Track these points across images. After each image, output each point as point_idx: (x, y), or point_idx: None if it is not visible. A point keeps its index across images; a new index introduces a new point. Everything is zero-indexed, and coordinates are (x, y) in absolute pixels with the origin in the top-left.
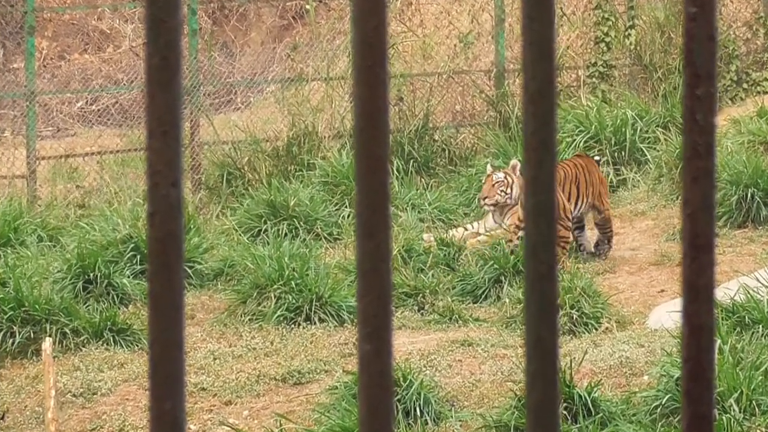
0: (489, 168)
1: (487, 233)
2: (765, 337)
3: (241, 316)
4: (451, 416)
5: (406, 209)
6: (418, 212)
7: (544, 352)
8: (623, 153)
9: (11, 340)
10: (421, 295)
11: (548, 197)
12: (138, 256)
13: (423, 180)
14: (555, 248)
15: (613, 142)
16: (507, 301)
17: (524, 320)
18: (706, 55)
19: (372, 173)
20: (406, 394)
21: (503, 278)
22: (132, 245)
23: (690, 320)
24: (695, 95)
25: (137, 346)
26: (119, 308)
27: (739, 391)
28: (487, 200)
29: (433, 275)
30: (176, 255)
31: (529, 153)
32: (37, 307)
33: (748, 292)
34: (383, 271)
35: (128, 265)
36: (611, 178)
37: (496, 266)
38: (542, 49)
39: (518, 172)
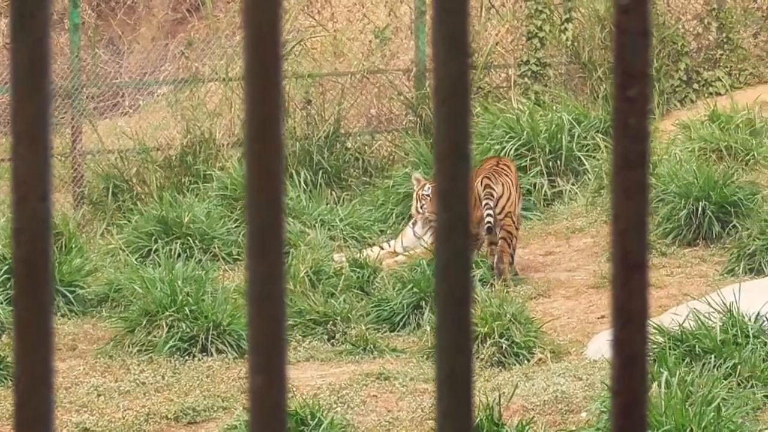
0: (417, 177)
1: (406, 252)
2: (717, 369)
3: (129, 346)
4: None
5: (314, 226)
6: (329, 229)
7: (457, 387)
8: (559, 162)
9: None
10: (331, 322)
11: (463, 210)
12: (12, 279)
13: (334, 193)
14: (470, 268)
15: (547, 150)
16: (428, 329)
17: (435, 350)
18: (640, 52)
19: (264, 187)
20: None
21: (424, 303)
22: (6, 266)
23: (622, 348)
24: (627, 97)
25: (12, 380)
26: None
27: (688, 429)
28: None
29: (345, 300)
30: (44, 277)
31: (440, 162)
32: None
33: (699, 318)
34: (276, 296)
35: (1, 289)
36: (545, 190)
37: (415, 290)
38: (456, 45)
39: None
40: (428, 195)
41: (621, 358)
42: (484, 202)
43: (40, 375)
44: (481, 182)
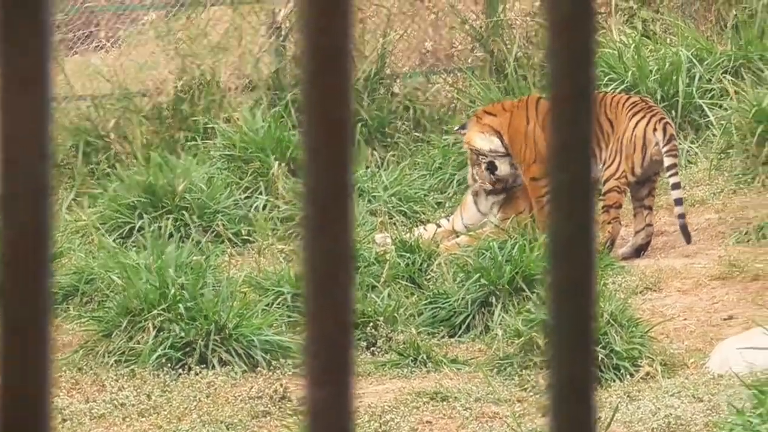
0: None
1: (470, 232)
2: None
3: (104, 356)
4: None
5: None
6: (369, 201)
7: (578, 400)
8: (674, 112)
9: None
10: (372, 324)
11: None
12: None
13: (376, 153)
14: (595, 245)
15: (659, 96)
16: (499, 333)
17: (547, 355)
18: None
19: (329, 141)
20: None
21: (494, 299)
22: None
23: None
24: None
25: None
26: None
27: None
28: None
29: (390, 295)
30: None
31: (556, 107)
32: None
33: None
34: (344, 280)
35: None
36: None
37: (483, 281)
38: None
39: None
40: (494, 154)
41: None
42: (669, 165)
43: None
44: (661, 126)
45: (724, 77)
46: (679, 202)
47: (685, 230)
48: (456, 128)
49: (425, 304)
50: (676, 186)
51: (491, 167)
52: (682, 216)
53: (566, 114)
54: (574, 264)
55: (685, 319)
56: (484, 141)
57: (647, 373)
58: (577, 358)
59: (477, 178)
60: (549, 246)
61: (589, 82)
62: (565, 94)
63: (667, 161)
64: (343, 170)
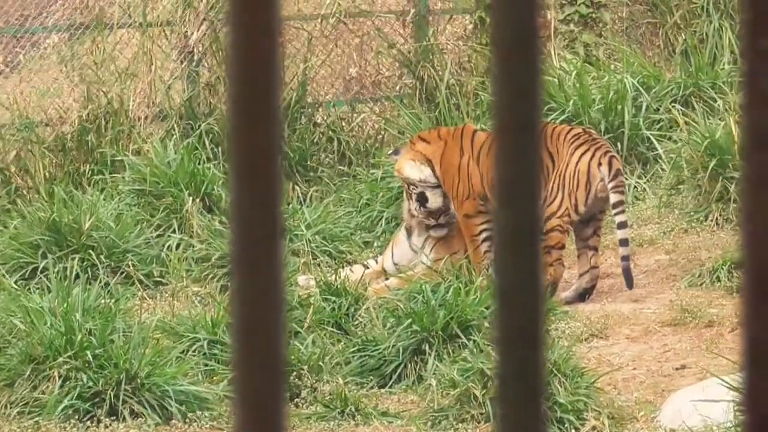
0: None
1: (400, 273)
2: None
3: (7, 407)
4: None
5: None
6: (291, 240)
7: None
8: (619, 145)
9: None
10: (295, 373)
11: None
12: None
13: (298, 188)
14: (542, 293)
15: (602, 127)
16: (433, 383)
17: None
18: None
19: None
20: None
21: (427, 347)
22: None
23: (756, 404)
24: (760, 50)
25: None
26: None
27: None
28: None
29: (314, 342)
30: None
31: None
32: None
33: None
34: (274, 324)
35: None
36: None
37: (415, 327)
38: None
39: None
40: (424, 184)
41: (754, 418)
42: (616, 203)
43: None
44: (606, 161)
45: (673, 107)
46: (624, 242)
47: (627, 274)
48: (389, 153)
49: (353, 352)
50: (623, 225)
51: (421, 199)
52: (626, 258)
53: (511, 145)
54: (521, 306)
55: (634, 369)
56: (414, 170)
57: (593, 427)
58: (527, 407)
59: (414, 213)
60: (494, 287)
61: (535, 111)
62: (510, 125)
63: (614, 198)
64: (271, 189)
